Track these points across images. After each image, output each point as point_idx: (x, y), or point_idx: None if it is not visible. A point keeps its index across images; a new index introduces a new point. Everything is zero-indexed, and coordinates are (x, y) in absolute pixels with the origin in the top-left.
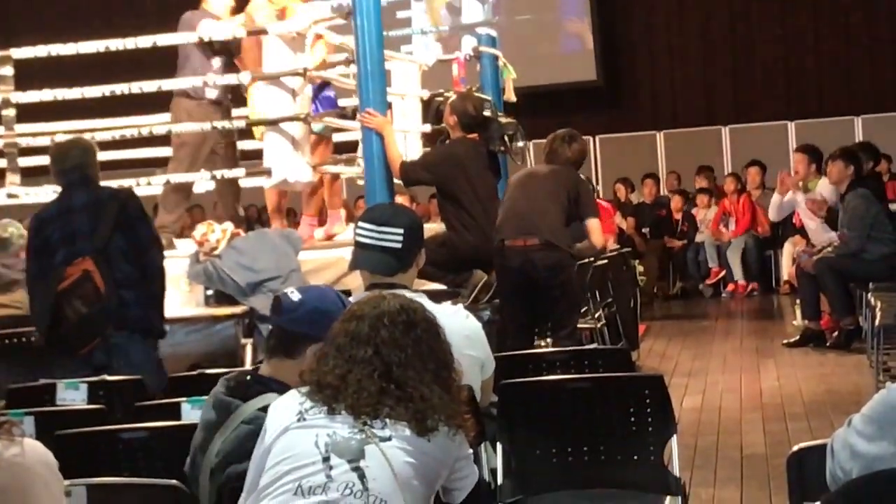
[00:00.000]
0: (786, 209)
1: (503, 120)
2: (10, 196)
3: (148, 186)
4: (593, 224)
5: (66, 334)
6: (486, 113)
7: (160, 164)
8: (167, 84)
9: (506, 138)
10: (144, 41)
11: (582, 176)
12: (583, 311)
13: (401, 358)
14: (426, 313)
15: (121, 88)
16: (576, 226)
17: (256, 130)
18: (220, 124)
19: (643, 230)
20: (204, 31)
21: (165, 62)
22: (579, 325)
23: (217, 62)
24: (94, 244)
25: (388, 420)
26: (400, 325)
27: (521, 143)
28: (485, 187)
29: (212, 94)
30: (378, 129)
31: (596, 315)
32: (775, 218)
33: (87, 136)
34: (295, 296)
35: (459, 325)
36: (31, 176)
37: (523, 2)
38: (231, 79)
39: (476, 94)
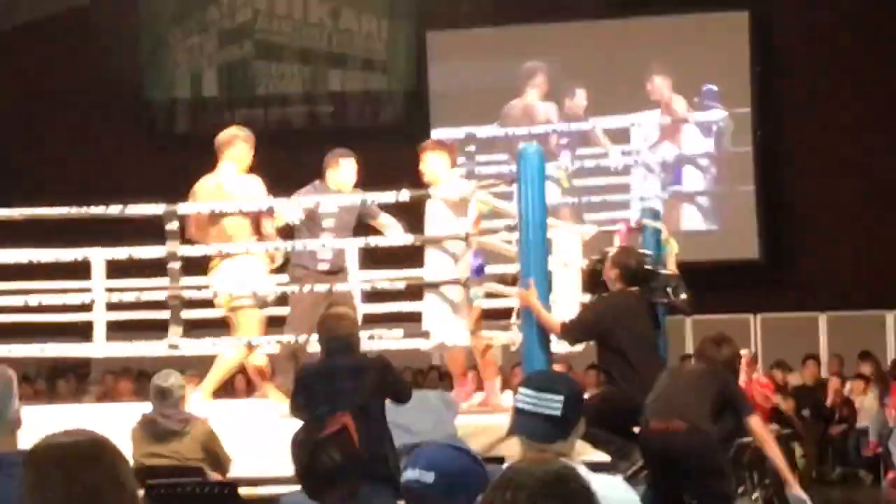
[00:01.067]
0: None
1: (665, 272)
2: (171, 346)
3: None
4: (756, 421)
5: (319, 479)
6: (648, 266)
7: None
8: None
9: (669, 290)
10: (307, 201)
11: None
12: (740, 491)
13: None
14: (582, 482)
15: (274, 245)
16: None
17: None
18: (381, 282)
19: (802, 412)
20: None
21: None
22: None
23: (327, 236)
24: (354, 402)
25: None
26: (558, 498)
27: (684, 296)
28: (646, 340)
29: (323, 266)
30: (525, 303)
31: (753, 497)
32: None
33: None
34: (427, 476)
35: (618, 497)
36: (193, 328)
37: (688, 178)
38: (399, 239)
39: (636, 250)
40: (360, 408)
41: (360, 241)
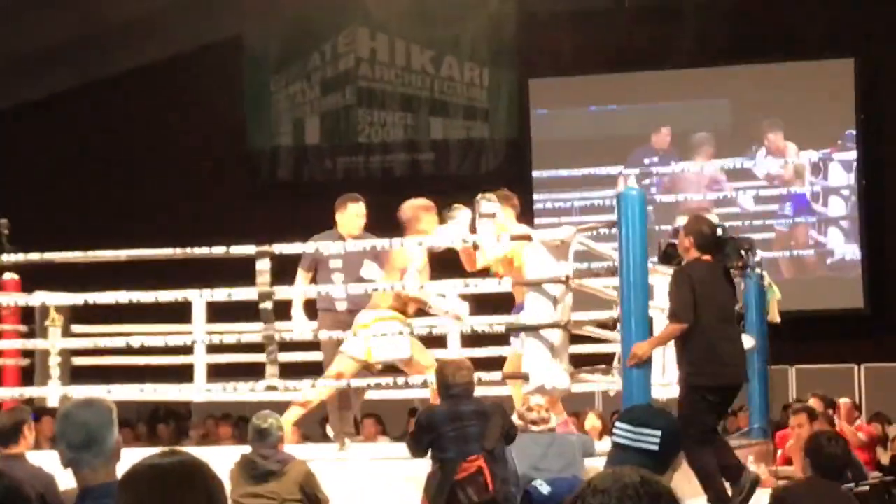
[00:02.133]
0: None
1: (740, 236)
2: (268, 388)
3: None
4: None
5: None
6: (720, 232)
7: None
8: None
9: (742, 253)
10: (409, 242)
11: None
12: None
13: None
14: (667, 486)
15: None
16: None
17: None
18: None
19: None
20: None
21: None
22: None
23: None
24: (482, 446)
25: None
26: (645, 496)
27: (756, 258)
28: (725, 309)
29: (341, 305)
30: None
31: None
32: None
33: None
34: (545, 488)
35: None
36: (289, 371)
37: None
38: (491, 284)
39: (707, 217)
40: (489, 451)
41: (460, 284)
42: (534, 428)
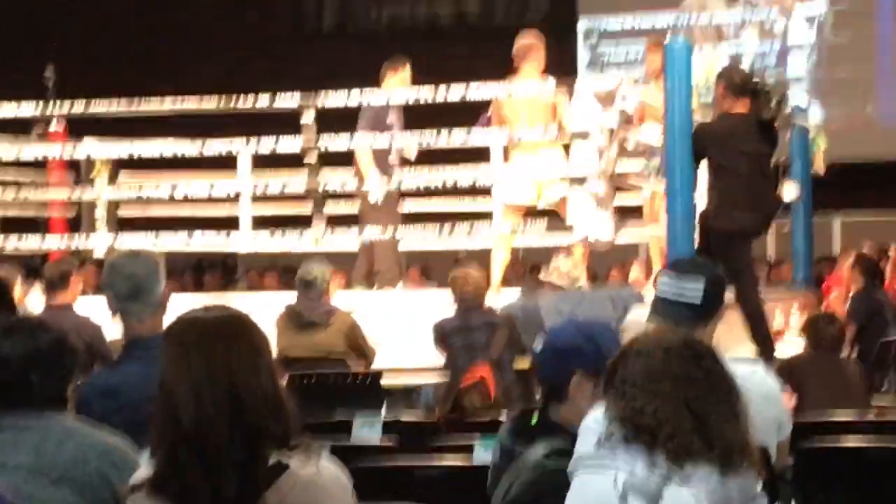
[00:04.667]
0: None
1: (772, 84)
2: (315, 241)
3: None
4: None
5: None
6: (755, 80)
7: None
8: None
9: (773, 104)
10: (455, 92)
11: None
12: (884, 389)
13: (698, 392)
14: (708, 346)
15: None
16: None
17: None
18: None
19: None
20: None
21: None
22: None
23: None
24: (489, 356)
25: (697, 460)
26: (689, 357)
27: (788, 110)
28: (757, 163)
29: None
30: None
31: None
32: None
33: None
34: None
35: (758, 382)
36: (338, 223)
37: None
38: (538, 133)
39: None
40: (494, 360)
41: (504, 136)
42: (561, 286)
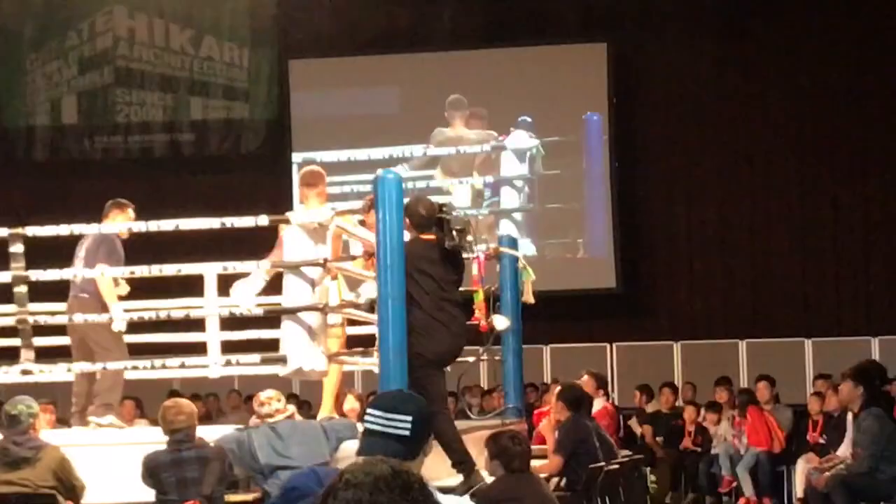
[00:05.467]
0: None
1: (454, 216)
2: (23, 373)
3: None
4: None
5: None
6: (441, 213)
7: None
8: (186, 268)
9: (455, 233)
10: (167, 224)
11: None
12: None
13: None
14: (418, 476)
15: (140, 270)
16: None
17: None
18: (237, 308)
19: (657, 439)
20: None
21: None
22: None
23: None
24: (200, 491)
25: None
26: (397, 489)
27: (470, 238)
28: (441, 283)
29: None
30: None
31: None
32: None
33: None
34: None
35: None
36: (47, 356)
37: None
38: (251, 265)
39: (428, 198)
40: (206, 496)
41: (219, 266)
42: (270, 420)
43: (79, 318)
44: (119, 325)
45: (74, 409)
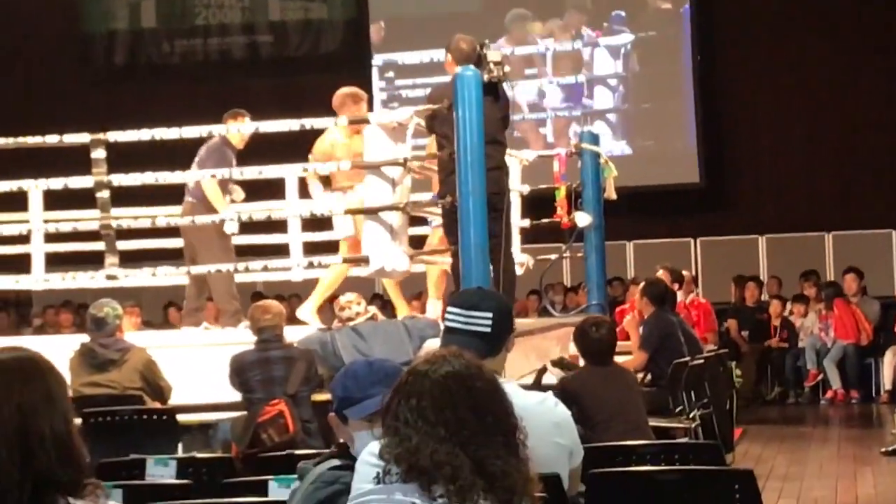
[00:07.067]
0: None
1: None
2: (108, 277)
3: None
4: None
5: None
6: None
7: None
8: (267, 170)
9: (491, 65)
10: (247, 127)
11: None
12: (677, 410)
13: (471, 434)
14: (489, 376)
15: (221, 172)
16: None
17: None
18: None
19: (742, 333)
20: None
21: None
22: (674, 425)
23: None
24: (285, 390)
25: (478, 501)
26: (463, 394)
27: (507, 68)
28: (490, 124)
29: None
30: None
31: (690, 415)
32: None
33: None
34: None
35: (548, 412)
36: (132, 259)
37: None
38: (331, 166)
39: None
40: (291, 394)
41: (299, 168)
42: (351, 323)
43: (185, 220)
44: (231, 227)
45: (185, 309)
